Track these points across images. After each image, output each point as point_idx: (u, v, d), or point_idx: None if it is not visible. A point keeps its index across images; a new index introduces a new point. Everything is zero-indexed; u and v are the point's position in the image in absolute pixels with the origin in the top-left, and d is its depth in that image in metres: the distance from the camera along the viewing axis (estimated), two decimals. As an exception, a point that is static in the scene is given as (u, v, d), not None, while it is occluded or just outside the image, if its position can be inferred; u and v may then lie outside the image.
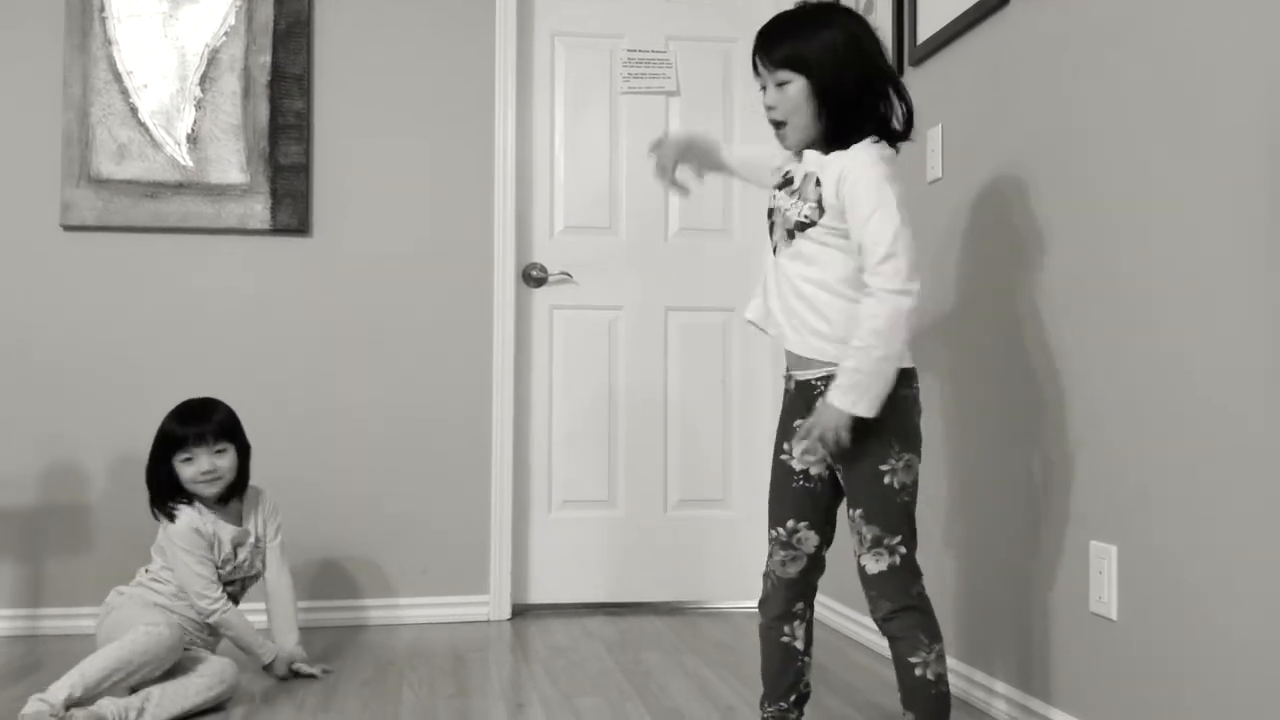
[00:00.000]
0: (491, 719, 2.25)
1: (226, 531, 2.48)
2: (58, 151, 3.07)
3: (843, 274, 1.74)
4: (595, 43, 3.40)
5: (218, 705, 2.30)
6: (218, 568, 2.45)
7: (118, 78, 3.10)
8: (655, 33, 3.41)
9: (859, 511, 1.76)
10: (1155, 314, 1.76)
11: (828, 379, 1.74)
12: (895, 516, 1.75)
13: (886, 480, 1.74)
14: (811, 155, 1.81)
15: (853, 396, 1.67)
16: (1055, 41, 2.05)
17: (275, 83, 3.15)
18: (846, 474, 1.78)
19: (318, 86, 3.20)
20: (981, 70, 2.32)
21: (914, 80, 2.64)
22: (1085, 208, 1.95)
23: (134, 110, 3.10)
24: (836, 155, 1.76)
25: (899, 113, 1.79)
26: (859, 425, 1.70)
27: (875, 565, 1.75)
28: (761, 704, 1.92)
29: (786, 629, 1.87)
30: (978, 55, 2.34)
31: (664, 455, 3.39)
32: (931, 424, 2.50)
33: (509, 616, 3.23)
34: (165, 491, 2.46)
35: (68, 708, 2.06)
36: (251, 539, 2.54)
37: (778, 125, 1.81)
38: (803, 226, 1.77)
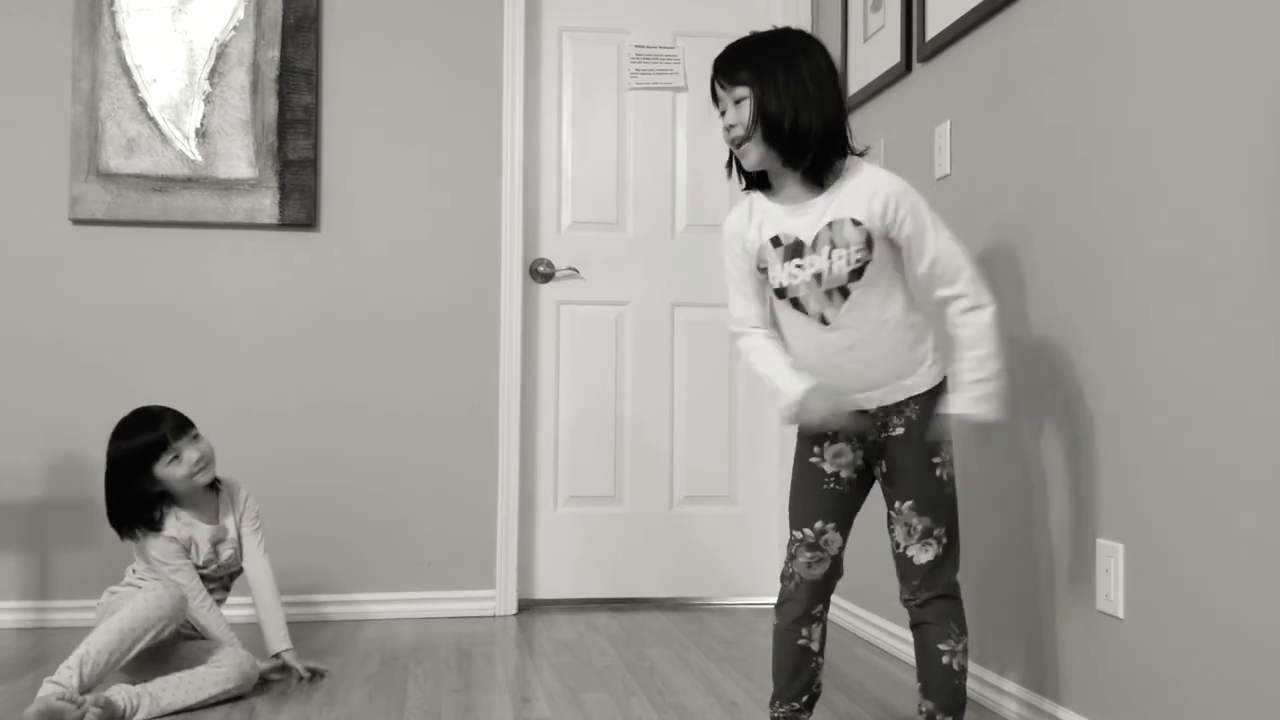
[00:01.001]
0: (496, 713, 2.25)
1: (203, 532, 2.43)
2: (66, 145, 3.08)
3: (902, 301, 1.77)
4: (603, 38, 3.40)
5: (234, 697, 2.30)
6: (200, 567, 2.41)
7: (126, 72, 3.11)
8: (663, 29, 3.41)
9: (909, 504, 1.78)
10: (1162, 311, 1.76)
11: (906, 401, 1.78)
12: (944, 508, 1.78)
13: (938, 473, 1.77)
14: (816, 203, 1.75)
15: (993, 403, 1.74)
16: (1064, 38, 2.05)
17: (284, 77, 3.16)
18: (897, 467, 1.79)
19: (326, 81, 3.20)
20: (990, 67, 2.32)
21: (922, 76, 2.64)
22: (1092, 205, 1.95)
23: (143, 104, 3.11)
24: (852, 184, 1.74)
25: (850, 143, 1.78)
26: (916, 415, 1.77)
27: (924, 555, 1.77)
28: (772, 703, 1.90)
29: (805, 631, 1.85)
30: (986, 52, 2.33)
31: (670, 451, 3.40)
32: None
33: (515, 611, 3.23)
34: (145, 505, 2.37)
35: (83, 691, 2.06)
36: (232, 534, 2.48)
37: (738, 144, 1.76)
38: (857, 274, 1.72)
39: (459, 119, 3.26)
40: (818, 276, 1.74)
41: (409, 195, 3.24)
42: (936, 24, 2.52)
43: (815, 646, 1.86)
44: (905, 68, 2.70)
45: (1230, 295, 1.61)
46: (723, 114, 1.78)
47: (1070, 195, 2.02)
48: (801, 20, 3.32)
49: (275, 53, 3.16)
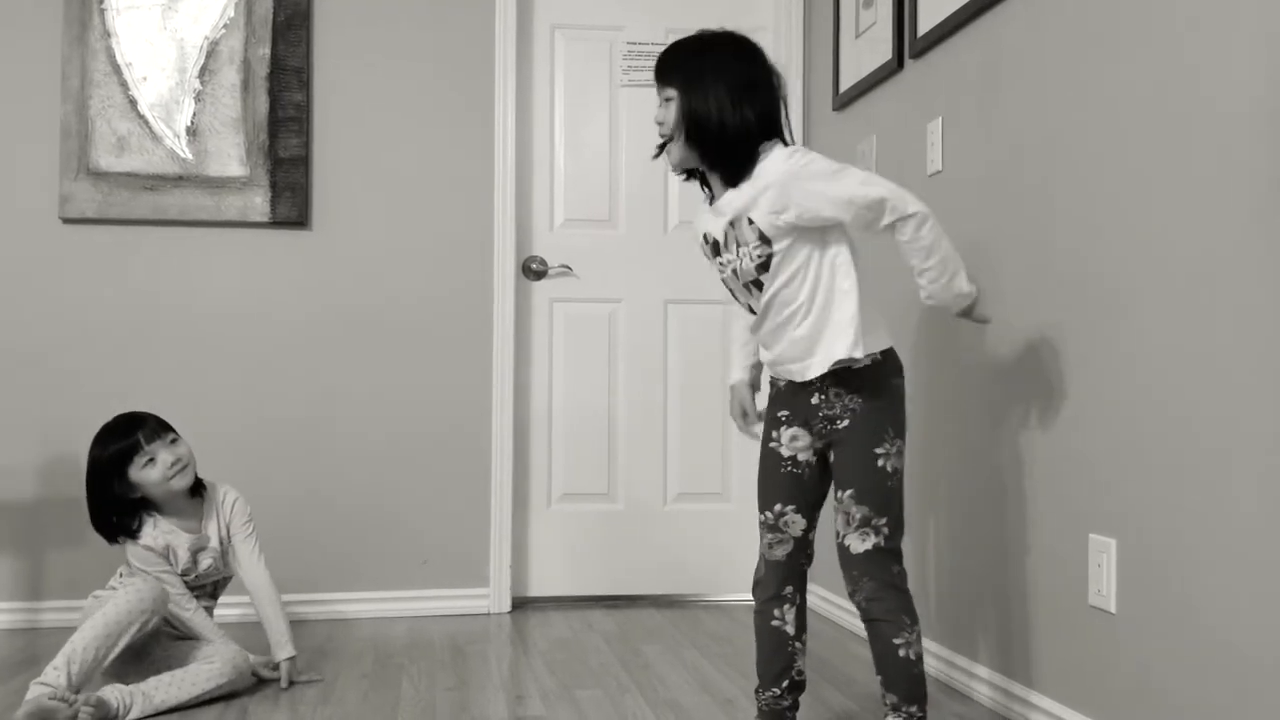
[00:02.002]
0: (491, 711, 2.25)
1: (182, 540, 2.39)
2: (56, 144, 3.07)
3: (820, 275, 1.78)
4: (595, 35, 3.40)
5: (229, 694, 2.29)
6: (181, 575, 2.38)
7: (116, 70, 3.10)
8: (655, 25, 3.41)
9: (849, 492, 1.80)
10: (1155, 307, 1.76)
11: (825, 375, 1.80)
12: (885, 498, 1.80)
13: (880, 463, 1.79)
14: (725, 201, 1.81)
15: (960, 279, 1.79)
16: (1054, 34, 2.05)
17: (275, 75, 3.15)
18: (840, 455, 1.84)
19: (317, 79, 3.19)
20: (981, 63, 2.32)
21: (914, 72, 2.64)
22: (1085, 200, 1.95)
23: (133, 103, 3.10)
24: (750, 181, 1.76)
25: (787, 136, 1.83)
26: (860, 408, 1.80)
27: (860, 545, 1.79)
28: (756, 692, 1.96)
29: (777, 612, 1.92)
30: (978, 47, 2.33)
31: (663, 448, 3.40)
32: (932, 415, 2.51)
33: (509, 609, 3.23)
34: (123, 510, 2.35)
35: (73, 690, 2.05)
36: (213, 543, 2.43)
37: (664, 143, 1.86)
38: (764, 267, 1.78)
39: (451, 116, 3.25)
40: (735, 272, 1.83)
41: (401, 193, 3.23)
42: (928, 20, 2.53)
43: (790, 630, 1.92)
44: (897, 64, 2.70)
45: (1224, 292, 1.62)
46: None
47: (1062, 190, 2.02)
48: (794, 16, 3.32)
49: (266, 50, 3.15)
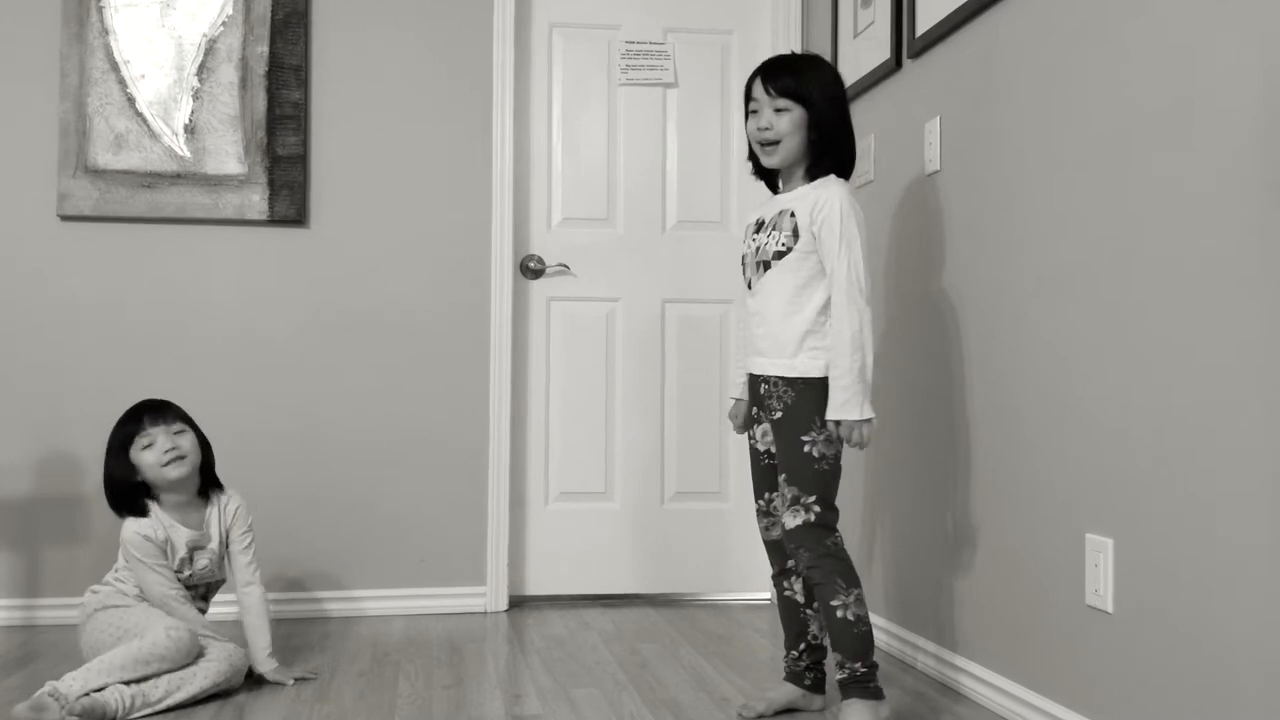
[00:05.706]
0: (488, 709, 2.25)
1: (181, 535, 2.38)
2: (54, 141, 3.07)
3: (813, 295, 2.03)
4: (593, 34, 3.40)
5: (225, 691, 2.29)
6: (176, 572, 2.37)
7: (115, 67, 3.09)
8: (653, 24, 3.41)
9: (783, 475, 2.04)
10: (1152, 305, 1.76)
11: (775, 379, 2.06)
12: (812, 480, 2.02)
13: (806, 449, 2.02)
14: (785, 196, 2.11)
15: (848, 408, 1.96)
16: (1051, 34, 2.05)
17: (273, 73, 3.14)
18: (776, 442, 2.08)
19: (315, 77, 3.19)
20: (979, 63, 2.32)
21: (912, 72, 2.64)
22: (1082, 199, 1.95)
23: (131, 100, 3.10)
24: (806, 189, 2.06)
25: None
26: (792, 401, 2.03)
27: (793, 520, 2.02)
28: (785, 655, 2.23)
29: (785, 584, 2.19)
30: (976, 47, 2.34)
31: (660, 447, 3.40)
32: (928, 414, 2.51)
33: (506, 608, 3.23)
34: (125, 490, 2.38)
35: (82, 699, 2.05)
36: (212, 543, 2.44)
37: (768, 144, 2.08)
38: (780, 255, 2.05)
39: (449, 114, 3.25)
40: (756, 249, 2.11)
41: (399, 191, 3.23)
42: (926, 20, 2.53)
43: (799, 599, 2.17)
44: (895, 64, 2.70)
45: (1222, 291, 1.62)
46: (754, 113, 2.09)
47: (1060, 190, 2.03)
48: (792, 15, 3.31)
49: (264, 48, 3.14)
